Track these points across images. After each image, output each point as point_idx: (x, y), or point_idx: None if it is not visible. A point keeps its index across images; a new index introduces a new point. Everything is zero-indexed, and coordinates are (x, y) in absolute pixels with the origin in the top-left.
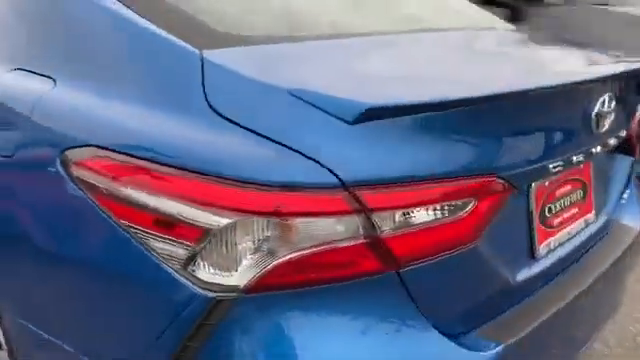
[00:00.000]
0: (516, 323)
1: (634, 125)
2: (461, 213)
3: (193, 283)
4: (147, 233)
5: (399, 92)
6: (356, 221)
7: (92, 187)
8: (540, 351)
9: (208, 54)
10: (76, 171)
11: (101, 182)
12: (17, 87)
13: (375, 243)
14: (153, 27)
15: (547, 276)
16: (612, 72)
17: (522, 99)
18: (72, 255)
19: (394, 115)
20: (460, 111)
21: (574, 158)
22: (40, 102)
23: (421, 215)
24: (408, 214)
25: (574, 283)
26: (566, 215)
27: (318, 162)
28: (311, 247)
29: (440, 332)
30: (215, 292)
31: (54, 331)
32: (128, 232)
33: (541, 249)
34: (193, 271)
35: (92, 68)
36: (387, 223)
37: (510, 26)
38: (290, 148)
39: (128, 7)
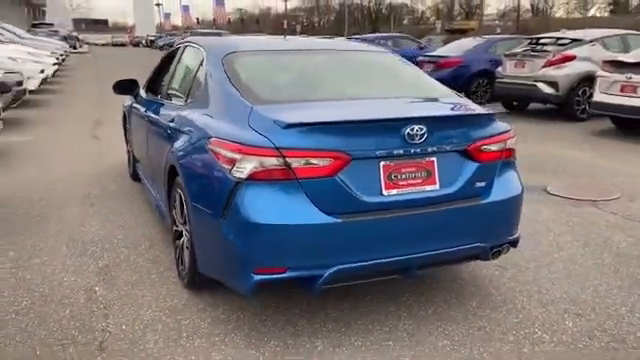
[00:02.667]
0: (359, 216)
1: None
2: (326, 163)
3: (233, 177)
4: (224, 163)
5: (312, 117)
6: (281, 160)
7: (213, 151)
8: (372, 237)
9: (255, 107)
10: (210, 145)
11: (215, 149)
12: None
13: (288, 168)
14: (234, 90)
15: (389, 204)
16: (412, 115)
17: (364, 125)
18: (202, 172)
19: (302, 126)
20: (336, 126)
21: (412, 151)
22: (198, 119)
23: (309, 161)
24: (304, 160)
25: (408, 211)
26: (411, 181)
27: (271, 141)
28: (266, 168)
29: (319, 209)
30: (237, 179)
31: (202, 203)
32: (219, 163)
33: (385, 192)
34: (232, 172)
35: (211, 104)
36: (294, 162)
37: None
38: (266, 137)
39: (227, 79)
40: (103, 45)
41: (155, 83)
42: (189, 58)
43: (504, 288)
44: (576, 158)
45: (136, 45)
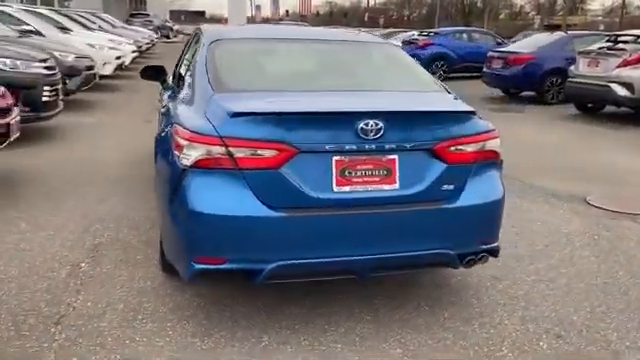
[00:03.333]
0: (305, 212)
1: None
2: (271, 155)
3: (180, 164)
4: (176, 150)
5: (263, 107)
6: (224, 149)
7: (173, 137)
8: (319, 234)
9: (216, 95)
10: (172, 131)
11: (174, 135)
12: (175, 101)
13: (230, 157)
14: (206, 77)
15: (339, 201)
16: (363, 109)
17: (313, 117)
18: (164, 158)
19: (248, 115)
20: (283, 117)
21: (366, 147)
22: (175, 105)
23: (252, 151)
24: (248, 151)
25: (361, 210)
26: (367, 179)
27: (216, 129)
28: (209, 156)
29: (261, 202)
30: (183, 166)
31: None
32: (173, 150)
33: (336, 188)
34: (180, 159)
35: (189, 90)
36: (237, 152)
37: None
38: (213, 125)
39: (205, 66)
40: None
41: (175, 69)
42: (194, 45)
43: (488, 300)
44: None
45: None
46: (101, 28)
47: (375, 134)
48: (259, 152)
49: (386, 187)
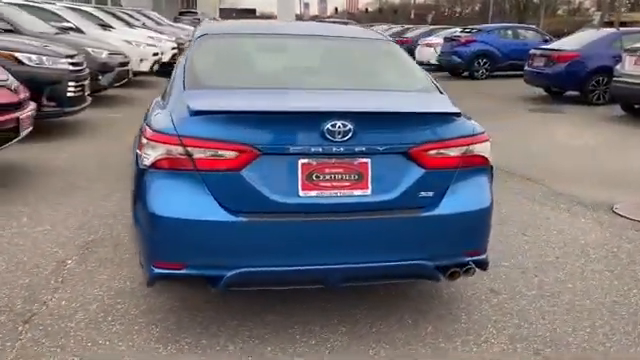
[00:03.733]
0: (268, 217)
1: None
2: (231, 156)
3: (142, 163)
4: (139, 149)
5: (225, 106)
6: (183, 149)
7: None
8: (283, 241)
9: (185, 91)
10: (142, 130)
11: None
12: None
13: (189, 158)
14: (183, 73)
15: (305, 206)
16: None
17: (277, 117)
18: (134, 157)
19: (209, 114)
20: (244, 116)
21: (333, 150)
22: (155, 102)
23: (211, 152)
24: (207, 151)
25: (329, 217)
26: (336, 183)
27: (176, 128)
28: (168, 156)
29: (221, 205)
30: (143, 166)
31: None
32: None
33: (302, 193)
34: (142, 159)
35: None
36: (196, 153)
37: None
38: (174, 124)
39: (185, 62)
40: None
41: None
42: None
43: (478, 315)
44: None
45: None
46: (145, 25)
47: (343, 136)
48: (219, 153)
49: (357, 193)
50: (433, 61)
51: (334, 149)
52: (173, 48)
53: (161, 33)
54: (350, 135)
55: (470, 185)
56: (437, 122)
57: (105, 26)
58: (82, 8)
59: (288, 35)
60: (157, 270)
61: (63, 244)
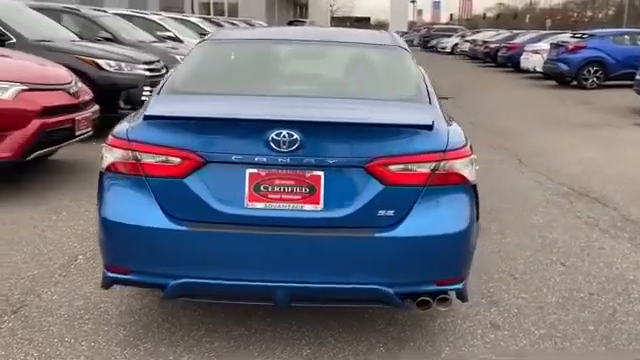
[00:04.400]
0: (212, 228)
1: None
2: (175, 163)
3: (100, 166)
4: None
5: (173, 111)
6: (131, 154)
7: None
8: (227, 253)
9: (156, 96)
10: None
11: None
12: None
13: (137, 163)
14: (168, 79)
15: (251, 218)
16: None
17: (222, 124)
18: None
19: (158, 119)
20: (190, 122)
21: (279, 160)
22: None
23: (156, 158)
24: (153, 157)
25: (276, 231)
26: (285, 196)
27: (128, 133)
28: (119, 161)
29: (165, 212)
30: (101, 169)
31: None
32: None
33: (249, 204)
34: (102, 162)
35: None
36: (144, 158)
37: None
38: (128, 129)
39: (177, 68)
40: None
41: None
42: None
43: (465, 351)
44: None
45: None
46: None
47: (289, 146)
48: (164, 159)
49: (307, 207)
50: (539, 68)
51: (279, 160)
52: None
53: None
54: (297, 145)
55: (441, 206)
56: (402, 135)
57: (205, 34)
58: (188, 18)
59: (292, 41)
60: (109, 274)
61: (84, 239)
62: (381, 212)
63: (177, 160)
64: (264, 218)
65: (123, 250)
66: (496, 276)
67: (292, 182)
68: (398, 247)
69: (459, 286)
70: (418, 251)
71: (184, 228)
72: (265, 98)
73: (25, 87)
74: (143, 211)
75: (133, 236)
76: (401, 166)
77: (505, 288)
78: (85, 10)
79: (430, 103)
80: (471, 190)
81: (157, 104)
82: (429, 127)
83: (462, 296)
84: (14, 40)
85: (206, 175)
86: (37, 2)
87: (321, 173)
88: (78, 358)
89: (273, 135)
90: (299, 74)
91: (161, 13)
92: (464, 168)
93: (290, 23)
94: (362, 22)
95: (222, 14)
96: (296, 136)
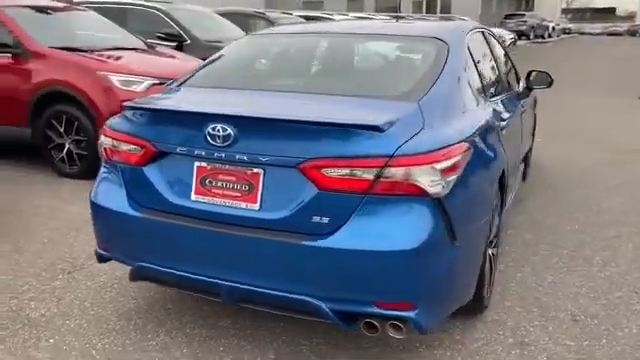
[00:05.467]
0: (161, 216)
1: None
2: (137, 152)
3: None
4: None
5: (140, 102)
6: (110, 141)
7: None
8: (174, 243)
9: (172, 87)
10: None
11: None
12: None
13: (115, 150)
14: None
15: (193, 211)
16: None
17: (170, 116)
18: None
19: (129, 110)
20: (149, 113)
21: (215, 155)
22: None
23: (124, 146)
24: (123, 145)
25: (214, 227)
26: (227, 192)
27: (111, 121)
28: (107, 147)
29: (130, 197)
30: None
31: None
32: None
33: (194, 197)
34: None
35: None
36: (120, 145)
37: None
38: (115, 118)
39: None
40: (597, 34)
41: None
42: None
43: None
44: None
45: (633, 34)
46: None
47: (223, 141)
48: (131, 148)
49: (244, 205)
50: None
51: (215, 154)
52: None
53: None
54: (231, 140)
55: (384, 218)
56: (345, 136)
57: None
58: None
59: (324, 35)
60: (99, 250)
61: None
62: (315, 218)
63: (138, 149)
64: (205, 212)
65: (101, 229)
66: None
67: (234, 178)
68: (328, 258)
69: (410, 314)
70: (350, 266)
71: (140, 215)
72: (262, 93)
73: (157, 81)
74: (114, 196)
75: (105, 218)
76: (338, 170)
77: None
78: (269, 14)
79: (419, 101)
80: (434, 203)
81: (149, 97)
82: (377, 128)
83: (418, 326)
84: (189, 42)
85: (163, 165)
86: (225, 7)
87: (261, 171)
88: (38, 354)
89: (209, 129)
90: (314, 69)
91: (348, 13)
92: (422, 177)
93: (507, 17)
94: (605, 13)
95: (434, 11)
96: (230, 131)
